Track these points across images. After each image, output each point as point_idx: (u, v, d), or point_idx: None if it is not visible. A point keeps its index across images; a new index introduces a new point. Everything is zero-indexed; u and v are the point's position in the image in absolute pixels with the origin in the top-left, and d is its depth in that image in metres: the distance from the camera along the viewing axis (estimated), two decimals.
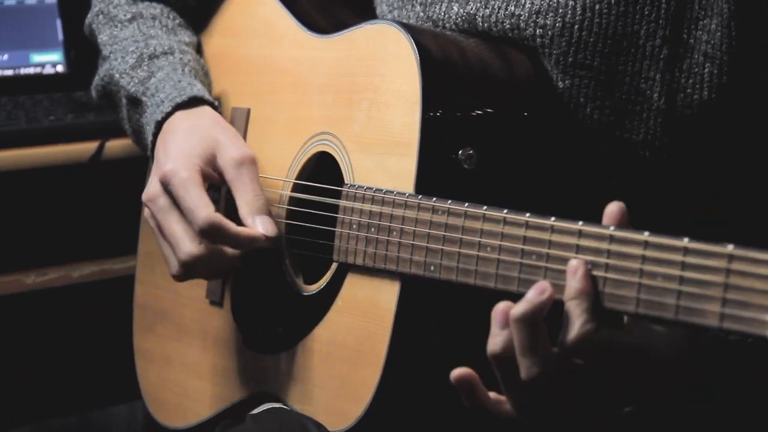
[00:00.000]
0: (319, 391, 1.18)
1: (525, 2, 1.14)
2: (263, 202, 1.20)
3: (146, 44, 1.37)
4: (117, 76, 1.37)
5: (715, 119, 1.12)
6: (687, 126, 1.12)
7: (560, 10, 1.13)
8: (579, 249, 0.93)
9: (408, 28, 1.12)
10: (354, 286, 1.14)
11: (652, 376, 0.96)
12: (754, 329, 0.82)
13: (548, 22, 1.13)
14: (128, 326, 1.54)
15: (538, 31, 1.14)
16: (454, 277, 1.03)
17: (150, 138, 1.31)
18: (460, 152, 1.08)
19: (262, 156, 1.27)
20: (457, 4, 1.19)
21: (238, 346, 1.32)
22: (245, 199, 1.19)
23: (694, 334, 1.00)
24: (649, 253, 0.89)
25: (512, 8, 1.15)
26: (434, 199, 1.05)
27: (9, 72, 1.94)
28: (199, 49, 1.44)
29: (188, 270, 1.20)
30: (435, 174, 1.08)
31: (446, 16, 1.19)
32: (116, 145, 1.77)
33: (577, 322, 0.92)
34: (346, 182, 1.16)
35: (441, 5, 1.20)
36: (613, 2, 1.12)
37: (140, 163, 1.57)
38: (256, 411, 1.28)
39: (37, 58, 1.97)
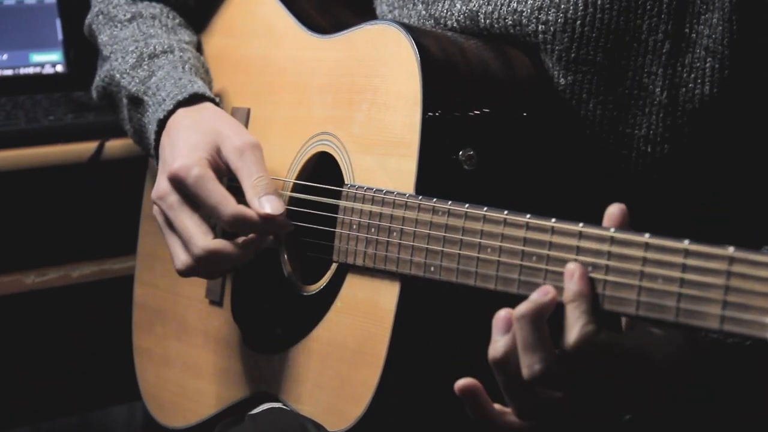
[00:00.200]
0: (318, 391, 1.18)
1: None
2: (267, 182, 1.19)
3: (146, 43, 1.37)
4: (117, 76, 1.37)
5: (716, 114, 1.12)
6: (689, 121, 1.12)
7: (562, 6, 1.13)
8: (579, 251, 0.93)
9: (408, 29, 1.12)
10: (354, 287, 1.14)
11: (651, 378, 0.96)
12: (754, 332, 0.82)
13: (550, 18, 1.13)
14: (128, 326, 1.54)
15: (540, 27, 1.14)
16: (454, 278, 1.03)
17: (153, 137, 1.31)
18: (460, 153, 1.08)
19: None
20: (459, 2, 1.19)
21: (238, 346, 1.32)
22: (249, 183, 1.19)
23: (694, 337, 1.00)
24: (650, 255, 0.89)
25: (514, 5, 1.15)
26: (434, 199, 1.05)
27: (8, 72, 1.94)
28: (199, 49, 1.44)
29: (200, 265, 1.20)
30: (435, 175, 1.08)
31: (448, 13, 1.19)
32: (116, 145, 1.77)
33: (576, 325, 0.92)
34: (346, 182, 1.16)
35: (443, 3, 1.20)
36: None
37: (140, 163, 1.57)
38: (255, 411, 1.28)
39: (37, 57, 1.97)
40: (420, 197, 1.07)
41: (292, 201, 1.24)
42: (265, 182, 1.19)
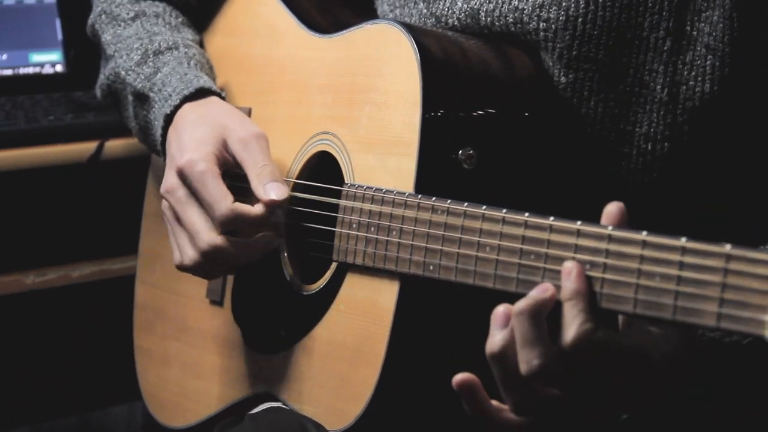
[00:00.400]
0: (318, 390, 1.18)
1: None
2: (270, 169, 1.19)
3: (150, 41, 1.37)
4: (123, 73, 1.38)
5: (717, 112, 1.12)
6: (689, 118, 1.13)
7: (564, 4, 1.13)
8: (577, 249, 0.94)
9: (409, 28, 1.12)
10: (353, 286, 1.15)
11: (649, 376, 0.96)
12: (752, 329, 0.83)
13: (552, 16, 1.13)
14: (128, 326, 1.54)
15: (541, 25, 1.14)
16: (453, 277, 1.04)
17: (159, 132, 1.31)
18: (460, 152, 1.08)
19: None
20: (461, 0, 1.19)
21: (238, 345, 1.32)
22: (254, 172, 1.19)
23: (691, 335, 1.01)
24: (647, 252, 0.89)
25: (515, 2, 1.15)
26: (434, 198, 1.06)
27: (8, 72, 1.94)
28: (202, 48, 1.44)
29: (205, 260, 1.20)
30: (435, 174, 1.08)
31: (449, 11, 1.20)
32: (115, 145, 1.77)
33: (574, 323, 0.92)
34: (346, 182, 1.17)
35: (445, 1, 1.20)
36: None
37: (140, 163, 1.57)
38: (255, 410, 1.28)
39: (36, 57, 1.97)
40: (419, 196, 1.07)
41: (292, 200, 1.25)
42: (269, 170, 1.19)
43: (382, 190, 1.11)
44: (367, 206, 1.12)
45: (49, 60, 1.97)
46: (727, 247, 0.84)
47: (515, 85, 1.14)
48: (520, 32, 1.15)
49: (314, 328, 1.19)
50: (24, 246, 1.87)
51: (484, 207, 1.01)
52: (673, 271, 0.87)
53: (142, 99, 1.35)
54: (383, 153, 1.13)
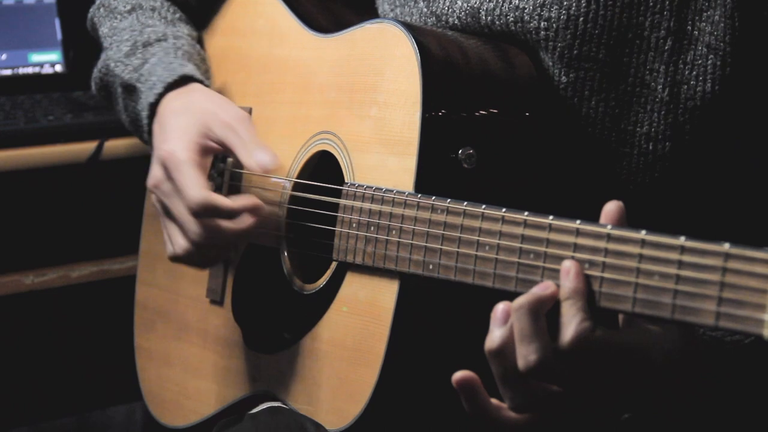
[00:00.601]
0: (318, 390, 1.18)
1: None
2: (258, 142, 1.19)
3: (141, 33, 1.38)
4: (112, 64, 1.38)
5: (718, 111, 1.12)
6: (690, 118, 1.13)
7: (565, 3, 1.13)
8: (576, 248, 0.94)
9: (409, 28, 1.12)
10: (353, 285, 1.15)
11: (648, 375, 0.96)
12: (750, 328, 0.83)
13: (553, 15, 1.13)
14: (127, 327, 1.54)
15: (542, 24, 1.14)
16: (452, 276, 1.04)
17: (145, 121, 1.31)
18: (460, 152, 1.09)
19: None
20: None
21: (238, 345, 1.32)
22: (241, 148, 1.19)
23: (691, 333, 1.01)
24: (646, 251, 0.89)
25: (516, 1, 1.15)
26: (434, 198, 1.06)
27: (7, 72, 1.94)
28: (199, 43, 1.44)
29: (196, 248, 1.20)
30: (435, 173, 1.08)
31: (450, 10, 1.20)
32: (115, 145, 1.78)
33: (573, 322, 0.92)
34: (346, 181, 1.17)
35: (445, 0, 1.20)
36: None
37: (139, 163, 1.57)
38: (255, 410, 1.28)
39: (36, 57, 1.97)
40: (419, 195, 1.07)
41: (292, 200, 1.25)
42: (256, 143, 1.19)
43: (382, 189, 1.11)
44: (367, 205, 1.12)
45: (48, 60, 1.98)
46: (726, 246, 0.84)
47: (515, 84, 1.14)
48: (520, 31, 1.15)
49: (314, 327, 1.19)
50: (23, 246, 1.87)
51: (483, 206, 1.01)
52: (672, 270, 0.87)
53: (130, 90, 1.35)
54: (383, 152, 1.13)
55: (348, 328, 1.14)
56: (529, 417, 0.98)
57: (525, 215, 0.98)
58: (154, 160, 1.23)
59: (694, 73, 1.12)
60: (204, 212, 1.17)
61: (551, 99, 1.15)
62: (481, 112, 1.11)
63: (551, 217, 0.96)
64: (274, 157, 1.18)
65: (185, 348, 1.41)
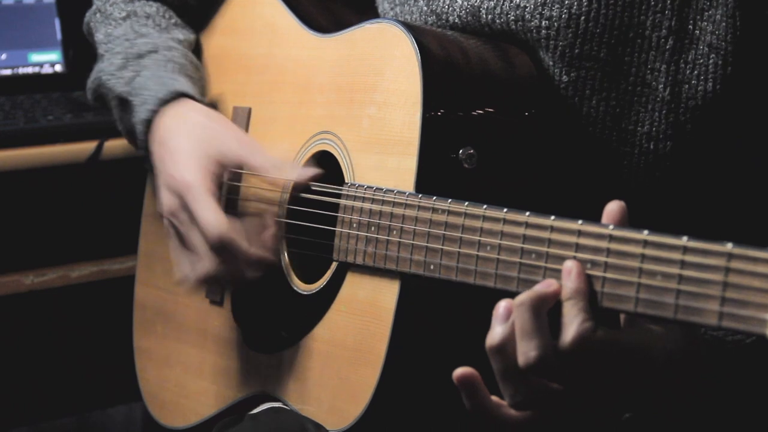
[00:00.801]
0: (318, 390, 1.18)
1: None
2: (277, 160, 1.23)
3: (132, 44, 1.37)
4: (105, 77, 1.38)
5: (719, 111, 1.12)
6: (691, 118, 1.13)
7: (566, 2, 1.13)
8: (578, 248, 0.94)
9: (409, 28, 1.12)
10: (354, 286, 1.15)
11: (650, 375, 0.96)
12: (753, 327, 0.83)
13: (554, 14, 1.13)
14: (127, 327, 1.54)
15: (543, 23, 1.14)
16: (453, 276, 1.04)
17: (141, 137, 1.31)
18: (460, 151, 1.08)
19: None
20: None
21: (238, 345, 1.32)
22: (273, 170, 1.22)
23: (693, 333, 1.01)
24: (649, 251, 0.89)
25: (517, 0, 1.15)
26: (434, 198, 1.06)
27: (7, 71, 1.94)
28: (195, 48, 1.44)
29: (206, 282, 1.22)
30: (435, 173, 1.08)
31: (450, 8, 1.20)
32: (115, 145, 1.77)
33: (574, 322, 0.92)
34: (346, 181, 1.17)
35: None
36: None
37: (139, 163, 1.57)
38: (255, 411, 1.28)
39: (36, 57, 1.97)
40: (420, 196, 1.07)
41: (293, 200, 1.25)
42: (276, 161, 1.22)
43: (382, 189, 1.11)
44: (367, 206, 1.12)
45: (48, 60, 1.98)
46: (729, 246, 0.84)
47: (516, 84, 1.14)
48: (521, 30, 1.15)
49: (314, 327, 1.19)
50: (23, 246, 1.87)
51: (484, 206, 1.01)
52: (675, 270, 0.87)
53: (124, 104, 1.36)
54: (383, 152, 1.13)
55: (349, 328, 1.14)
56: (529, 414, 0.98)
57: (526, 215, 0.97)
58: (164, 185, 1.24)
59: (696, 72, 1.12)
60: (222, 249, 1.18)
61: (552, 98, 1.15)
62: (481, 111, 1.11)
63: (553, 218, 0.96)
64: (304, 170, 1.20)
65: (185, 348, 1.41)
